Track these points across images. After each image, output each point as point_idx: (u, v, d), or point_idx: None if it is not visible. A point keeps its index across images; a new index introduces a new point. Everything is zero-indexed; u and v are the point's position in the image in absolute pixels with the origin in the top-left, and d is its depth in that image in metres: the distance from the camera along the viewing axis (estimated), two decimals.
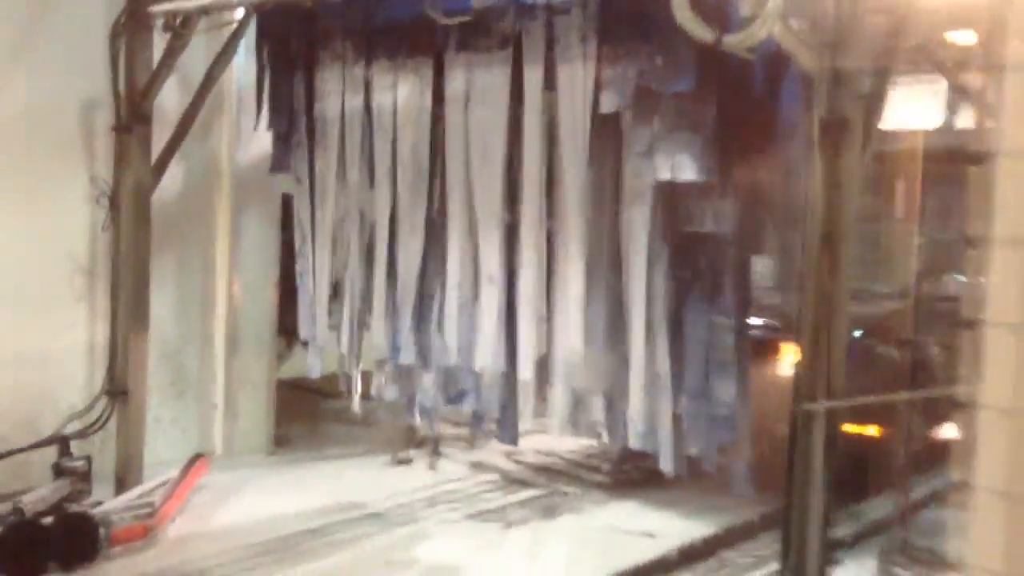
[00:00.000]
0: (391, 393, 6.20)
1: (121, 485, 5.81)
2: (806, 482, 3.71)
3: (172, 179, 6.31)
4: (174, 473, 5.87)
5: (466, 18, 4.65)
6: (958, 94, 5.61)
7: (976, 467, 1.85)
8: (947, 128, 6.28)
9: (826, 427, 3.70)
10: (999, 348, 1.85)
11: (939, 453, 6.16)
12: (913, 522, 5.53)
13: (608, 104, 5.13)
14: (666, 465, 5.47)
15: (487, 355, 5.69)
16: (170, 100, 6.14)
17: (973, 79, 5.52)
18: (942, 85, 6.12)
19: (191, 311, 6.83)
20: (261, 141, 6.87)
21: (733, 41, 3.92)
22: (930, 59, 4.91)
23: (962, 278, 6.69)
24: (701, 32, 4.00)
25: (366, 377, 6.56)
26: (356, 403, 6.48)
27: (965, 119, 6.23)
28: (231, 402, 7.01)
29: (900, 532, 5.47)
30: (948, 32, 4.90)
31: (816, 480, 3.71)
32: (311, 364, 6.79)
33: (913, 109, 5.71)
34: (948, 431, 6.53)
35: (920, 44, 4.64)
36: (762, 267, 5.75)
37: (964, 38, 4.97)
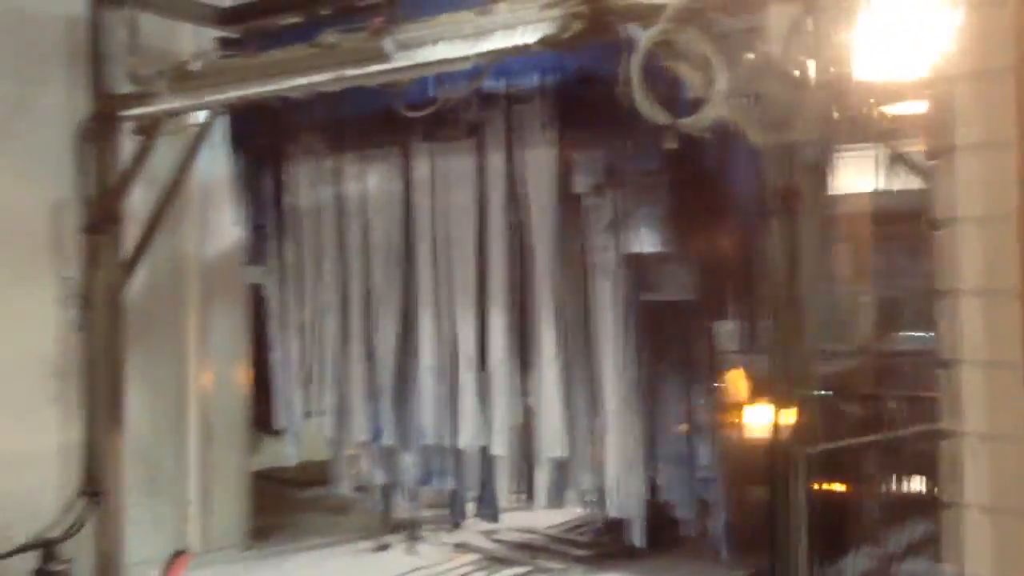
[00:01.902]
0: (378, 477, 6.24)
1: None
2: (788, 534, 3.84)
3: (141, 275, 6.37)
4: (155, 573, 5.80)
5: (429, 110, 4.87)
6: (894, 160, 5.96)
7: (964, 488, 2.03)
8: (885, 191, 6.61)
9: (805, 477, 3.85)
10: (974, 383, 2.05)
11: (911, 506, 6.38)
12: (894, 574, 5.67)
13: (581, 185, 5.37)
14: (636, 538, 5.55)
15: (468, 433, 5.78)
16: (136, 199, 6.25)
17: (905, 146, 5.90)
18: (877, 152, 6.48)
19: (163, 406, 6.81)
20: (226, 234, 6.99)
21: (688, 124, 4.17)
22: (867, 130, 5.24)
23: (913, 334, 7.00)
24: (657, 115, 4.25)
25: (351, 461, 6.58)
26: (347, 486, 6.48)
27: (899, 182, 6.59)
28: (206, 497, 6.95)
29: None
30: (882, 105, 5.24)
31: (798, 531, 3.84)
32: (288, 452, 6.80)
33: (854, 175, 6.03)
34: (915, 483, 6.76)
35: (857, 116, 4.95)
36: (725, 331, 5.95)
37: (896, 110, 5.31)
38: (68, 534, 5.70)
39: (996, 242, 2.02)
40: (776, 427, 3.91)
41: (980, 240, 2.06)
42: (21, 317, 5.97)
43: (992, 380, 2.08)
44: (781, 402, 3.98)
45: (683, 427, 5.63)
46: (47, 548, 5.52)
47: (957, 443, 2.17)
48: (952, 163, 2.08)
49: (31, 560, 5.52)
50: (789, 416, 3.96)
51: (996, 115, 2.00)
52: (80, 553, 5.82)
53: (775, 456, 3.84)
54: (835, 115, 4.44)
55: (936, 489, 6.59)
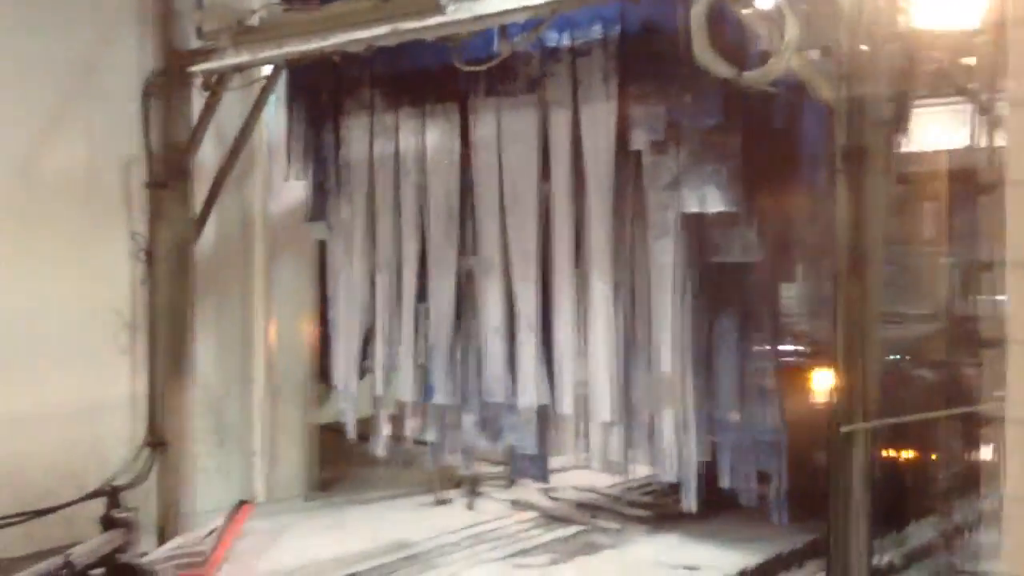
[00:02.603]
0: (431, 434, 6.27)
1: (163, 535, 5.89)
2: (847, 506, 3.72)
3: (208, 231, 6.47)
4: (219, 521, 5.95)
5: (489, 64, 4.77)
6: (982, 114, 5.66)
7: (1005, 478, 1.90)
8: (972, 148, 6.31)
9: (865, 449, 3.72)
10: (1019, 364, 1.90)
11: (980, 475, 6.15)
12: (958, 546, 5.49)
13: (639, 141, 5.22)
14: (689, 503, 5.48)
15: (529, 393, 5.75)
16: (204, 154, 6.32)
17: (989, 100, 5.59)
18: (965, 106, 6.16)
19: (231, 360, 6.95)
20: (293, 190, 7.03)
21: (753, 76, 4.01)
22: (949, 82, 4.98)
23: (993, 298, 6.70)
24: (721, 69, 4.08)
25: (395, 419, 6.64)
26: (380, 445, 6.53)
27: (984, 138, 6.27)
28: (271, 448, 7.11)
29: (945, 556, 5.42)
30: (964, 56, 4.96)
31: (857, 504, 3.73)
32: (343, 409, 6.88)
33: (937, 131, 5.75)
34: (987, 451, 6.52)
35: (938, 68, 4.70)
36: (791, 294, 5.78)
37: (978, 61, 5.02)
38: (134, 482, 5.87)
39: None
40: (836, 394, 3.78)
41: None
42: (94, 271, 6.13)
43: None
44: (844, 368, 3.85)
45: (747, 389, 5.49)
46: (114, 495, 5.70)
47: (998, 428, 2.02)
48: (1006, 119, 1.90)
49: (99, 506, 5.70)
50: (850, 383, 3.83)
51: None
52: (146, 501, 6.00)
53: (832, 425, 3.71)
54: (909, 67, 4.22)
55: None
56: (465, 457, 6.33)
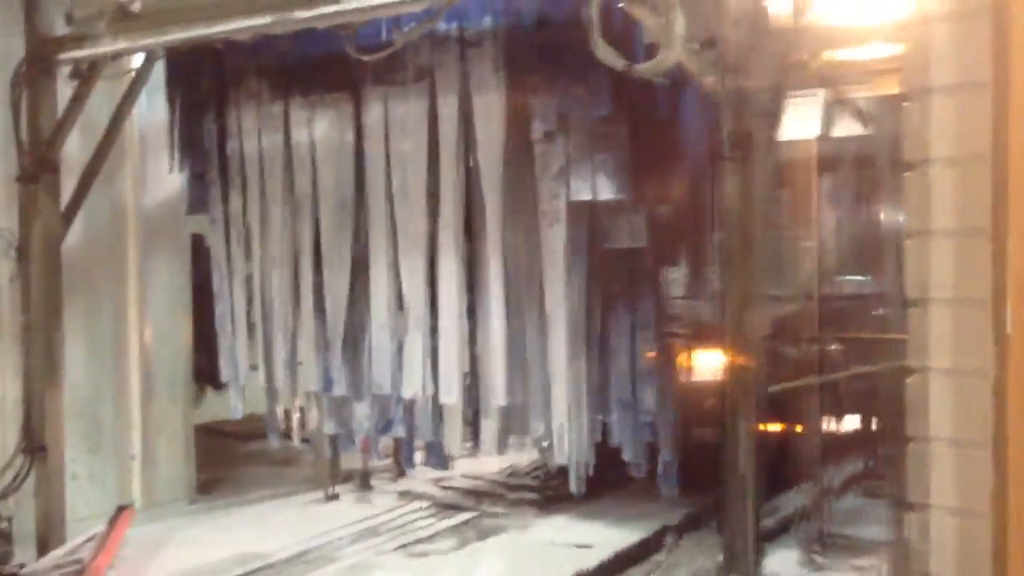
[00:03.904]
0: (330, 427, 6.22)
1: (44, 544, 5.60)
2: (740, 474, 3.95)
3: (78, 226, 6.16)
4: (100, 528, 5.70)
5: (383, 54, 4.77)
6: (839, 106, 6.07)
7: (928, 422, 2.12)
8: (826, 137, 6.73)
9: (751, 419, 3.97)
10: (941, 321, 2.12)
11: (844, 446, 6.62)
12: (828, 511, 5.90)
13: (532, 131, 5.34)
14: (575, 485, 5.67)
15: (415, 383, 5.79)
16: (72, 146, 6.03)
17: (850, 92, 6.01)
18: (820, 98, 6.57)
19: (103, 361, 6.66)
20: (166, 183, 6.80)
21: (645, 69, 4.18)
22: (816, 76, 5.32)
23: (851, 278, 7.20)
24: (615, 61, 4.24)
25: (287, 415, 6.55)
26: (293, 438, 6.45)
27: (842, 128, 6.73)
28: (149, 451, 6.85)
29: (817, 522, 5.81)
30: (828, 51, 5.31)
31: (750, 471, 3.97)
32: (234, 405, 6.72)
33: (798, 121, 6.12)
34: (850, 424, 7.01)
35: (807, 62, 5.01)
36: (674, 277, 6.04)
37: (842, 56, 5.39)
38: (8, 491, 5.57)
39: (969, 182, 2.08)
40: (728, 369, 4.00)
41: (952, 180, 2.11)
42: None
43: (960, 318, 2.15)
44: (732, 346, 4.07)
45: (634, 371, 5.72)
46: None
47: (922, 380, 2.25)
48: (925, 105, 2.12)
49: None
50: (740, 359, 4.06)
51: (971, 56, 2.05)
52: (21, 510, 5.70)
53: (728, 397, 3.93)
54: (786, 61, 4.49)
55: (870, 427, 6.92)
56: (363, 449, 6.30)
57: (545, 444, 5.84)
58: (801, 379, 5.87)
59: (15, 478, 5.61)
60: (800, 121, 6.45)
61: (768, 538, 5.64)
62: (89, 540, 5.55)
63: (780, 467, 6.41)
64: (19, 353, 5.81)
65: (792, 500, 6.20)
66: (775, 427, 6.34)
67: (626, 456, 5.68)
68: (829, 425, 6.46)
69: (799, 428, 6.17)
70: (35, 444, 5.64)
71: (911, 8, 2.12)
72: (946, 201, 2.10)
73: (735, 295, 4.22)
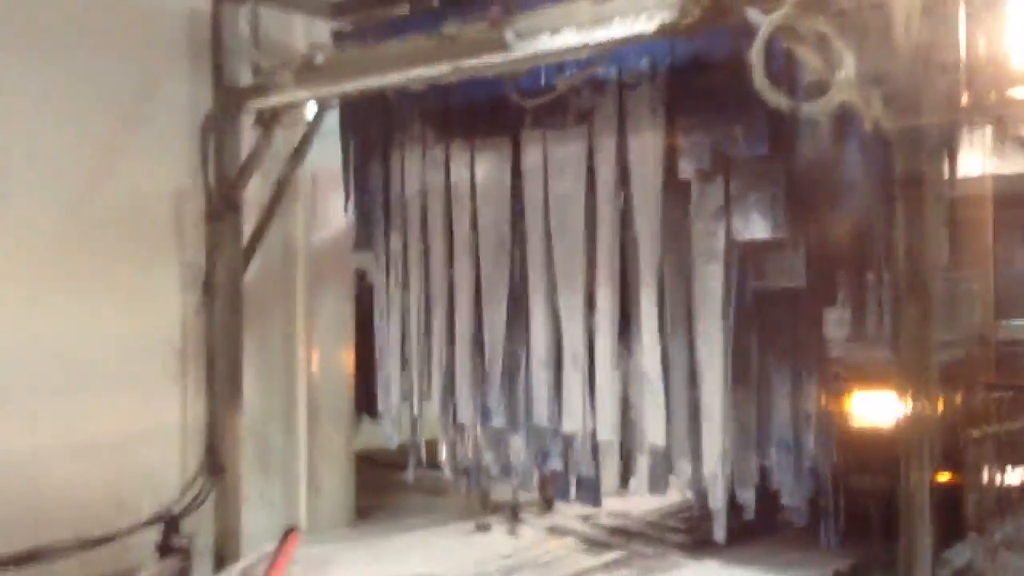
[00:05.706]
0: (487, 459, 6.37)
1: (220, 561, 5.95)
2: (917, 523, 3.82)
3: (254, 262, 6.58)
4: (269, 547, 6.00)
5: (547, 98, 4.93)
6: (1013, 143, 5.83)
7: None
8: (999, 175, 6.46)
9: (931, 467, 3.83)
10: None
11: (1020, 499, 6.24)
12: (999, 564, 5.58)
13: (688, 170, 5.37)
14: (719, 532, 5.58)
15: (576, 418, 5.86)
16: (252, 187, 6.46)
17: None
18: (992, 135, 6.33)
19: (273, 388, 7.03)
20: (333, 221, 7.17)
21: (812, 109, 4.14)
22: (988, 113, 5.13)
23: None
24: (778, 100, 4.22)
25: (429, 446, 6.74)
26: (449, 468, 6.64)
27: (1016, 166, 6.45)
28: (314, 475, 7.17)
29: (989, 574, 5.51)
30: (1001, 88, 5.13)
31: (926, 523, 3.83)
32: (388, 435, 6.97)
33: (971, 158, 5.91)
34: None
35: (979, 100, 4.85)
36: (833, 318, 5.89)
37: (1016, 93, 5.19)
38: (189, 509, 5.94)
39: None
40: (904, 416, 3.89)
41: None
42: (147, 300, 6.23)
43: None
44: (908, 391, 3.95)
45: (791, 415, 5.60)
46: (170, 522, 5.76)
47: None
48: None
49: (154, 534, 5.76)
50: (915, 405, 3.94)
51: None
52: (200, 528, 6.07)
53: (904, 444, 3.82)
54: (959, 98, 4.37)
55: None
56: (518, 482, 6.41)
57: (698, 486, 5.78)
58: (976, 427, 5.62)
59: (196, 497, 5.99)
60: (972, 159, 6.24)
61: None
62: (260, 559, 5.85)
63: (952, 518, 6.13)
64: (203, 380, 6.22)
65: (961, 553, 5.90)
66: (946, 476, 6.07)
67: (786, 501, 5.55)
68: (1004, 476, 6.12)
69: (974, 479, 5.88)
70: (216, 465, 6.02)
71: None
72: None
73: (910, 338, 4.11)
